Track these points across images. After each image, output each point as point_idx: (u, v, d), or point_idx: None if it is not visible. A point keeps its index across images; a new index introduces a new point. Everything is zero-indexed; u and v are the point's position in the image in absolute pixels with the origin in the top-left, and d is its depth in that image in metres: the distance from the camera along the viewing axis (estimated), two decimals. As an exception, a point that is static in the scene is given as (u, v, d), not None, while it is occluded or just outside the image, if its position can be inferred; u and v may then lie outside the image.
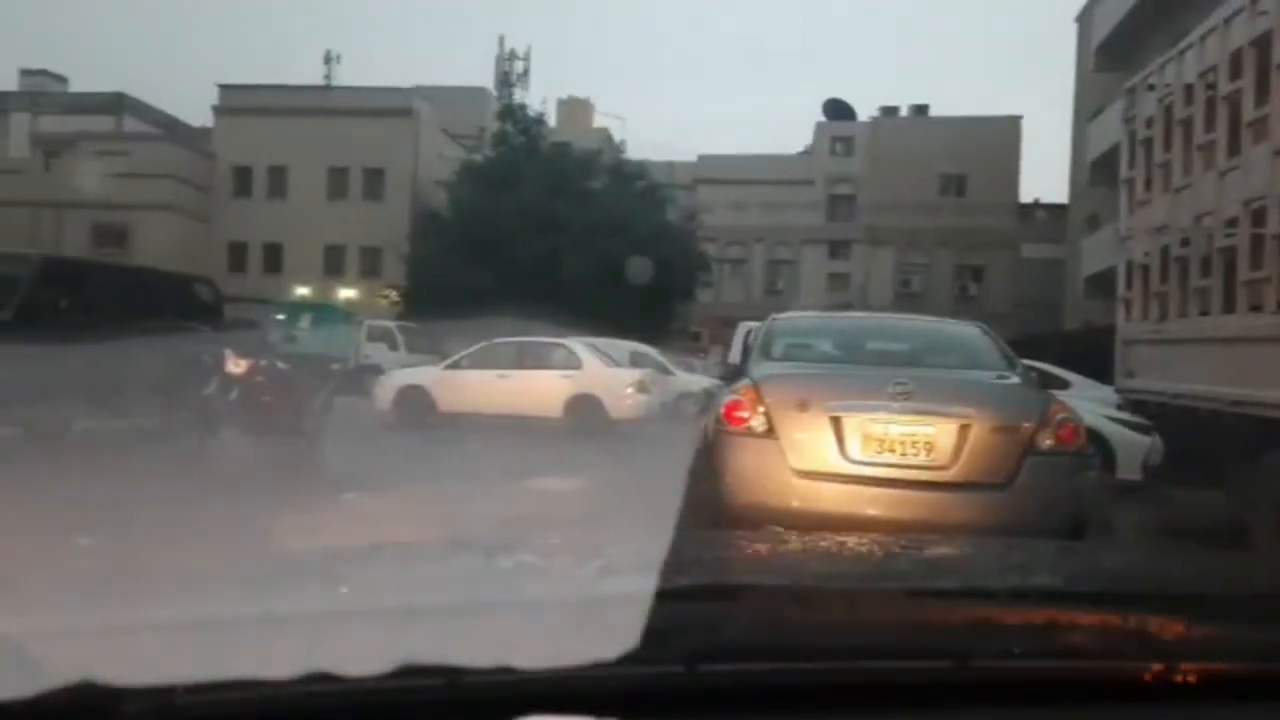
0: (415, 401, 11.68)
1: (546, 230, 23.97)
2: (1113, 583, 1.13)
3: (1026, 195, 33.69)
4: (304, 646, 0.74)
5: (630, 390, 11.82)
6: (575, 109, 34.41)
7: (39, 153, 32.65)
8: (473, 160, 27.84)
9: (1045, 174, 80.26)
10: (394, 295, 27.73)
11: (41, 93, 35.49)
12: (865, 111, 34.72)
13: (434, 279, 24.58)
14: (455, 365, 12.19)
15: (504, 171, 25.84)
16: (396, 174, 31.01)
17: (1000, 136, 31.69)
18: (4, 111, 34.97)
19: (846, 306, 25.58)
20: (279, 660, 0.67)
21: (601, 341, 13.77)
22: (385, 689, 0.67)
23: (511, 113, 27.42)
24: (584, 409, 11.49)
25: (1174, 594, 1.04)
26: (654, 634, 0.69)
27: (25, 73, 36.85)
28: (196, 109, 45.93)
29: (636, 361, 14.15)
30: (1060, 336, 19.97)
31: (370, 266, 30.78)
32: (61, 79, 37.21)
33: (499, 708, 0.65)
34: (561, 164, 26.11)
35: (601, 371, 12.05)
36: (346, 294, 29.55)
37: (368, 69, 75.00)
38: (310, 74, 43.66)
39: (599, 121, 34.49)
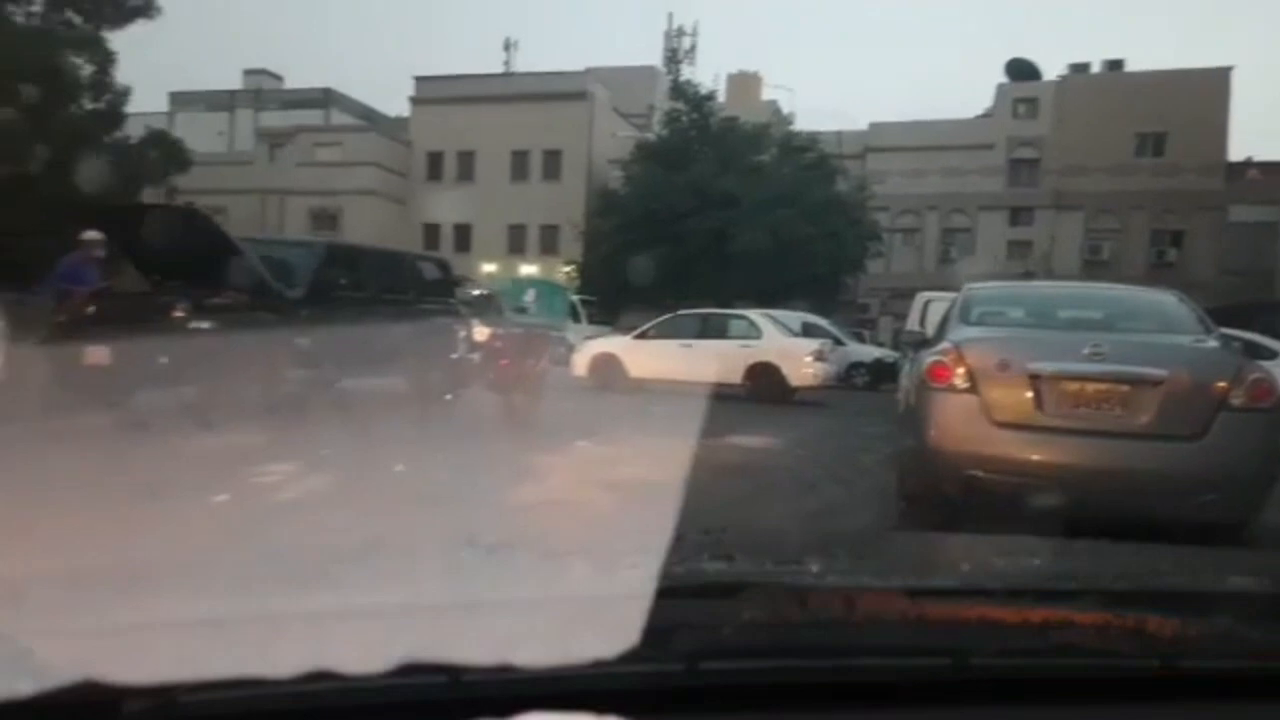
0: (608, 368, 12.74)
1: (717, 205, 24.55)
2: (1113, 582, 1.12)
3: (1236, 154, 30.78)
4: (304, 645, 0.74)
5: (808, 359, 12.35)
6: (744, 83, 34.59)
7: (263, 145, 36.60)
8: (646, 139, 28.76)
9: (1261, 130, 72.00)
10: (571, 271, 29.24)
11: (261, 90, 39.47)
12: (1051, 71, 32.84)
13: (609, 254, 25.76)
14: (643, 335, 13.15)
15: (676, 149, 26.60)
16: (573, 155, 32.48)
17: (1206, 91, 29.08)
18: (231, 109, 39.24)
19: (1028, 275, 24.60)
20: (279, 659, 0.67)
21: (775, 313, 14.34)
22: (385, 688, 0.67)
23: (682, 91, 28.03)
24: (763, 376, 12.14)
25: (1174, 593, 1.04)
26: (654, 633, 0.69)
27: (247, 72, 40.78)
28: (391, 100, 49.80)
29: (809, 332, 14.63)
30: (1271, 305, 18.51)
31: (549, 244, 32.48)
32: (278, 77, 40.76)
33: (499, 707, 0.65)
34: (731, 139, 26.53)
35: (781, 341, 12.64)
36: (527, 270, 31.38)
37: (543, 53, 77.80)
38: (491, 61, 45.91)
39: (767, 94, 34.53)
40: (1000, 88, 32.97)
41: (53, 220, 12.46)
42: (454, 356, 8.00)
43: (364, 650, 0.69)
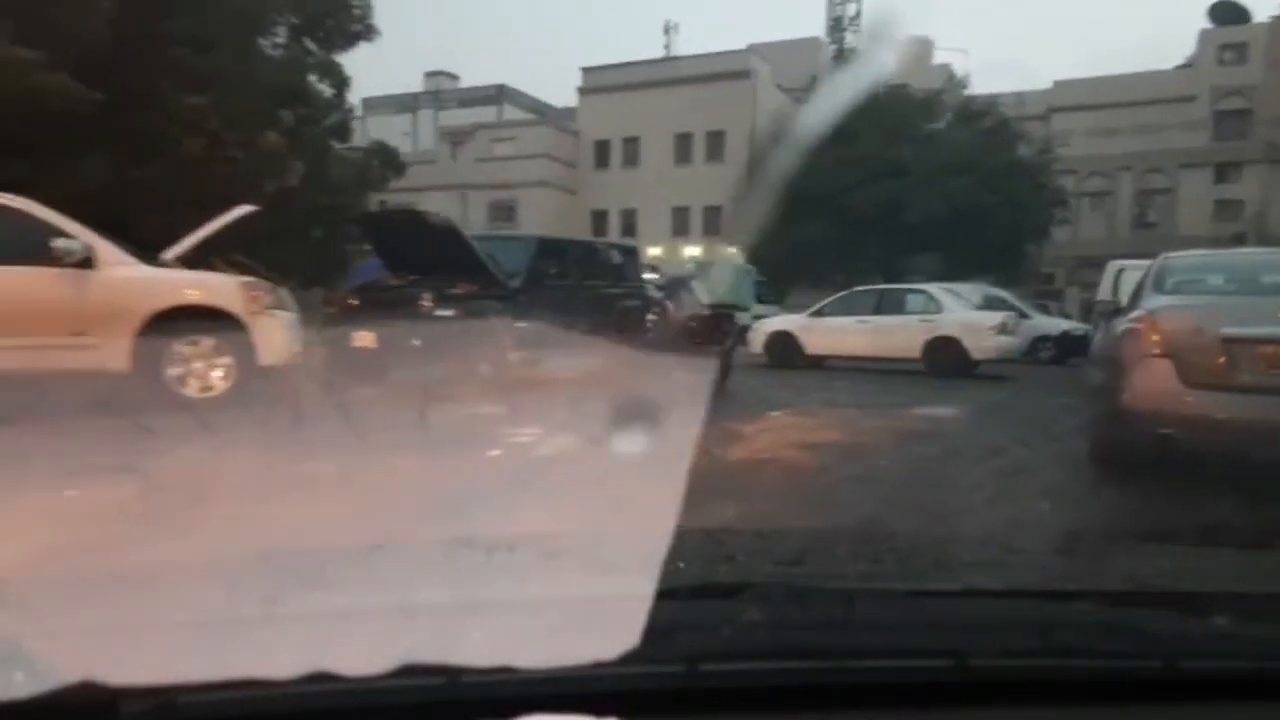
0: (784, 345, 13.13)
1: (885, 177, 24.15)
2: (1114, 582, 1.13)
3: None
4: (304, 646, 0.74)
5: (991, 332, 12.24)
6: (913, 48, 33.54)
7: (445, 144, 39.23)
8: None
9: None
10: (736, 251, 29.58)
11: (440, 91, 42.16)
12: (1262, 12, 29.70)
13: (774, 233, 25.91)
14: (819, 313, 13.45)
15: (841, 122, 26.31)
16: (736, 134, 32.68)
17: None
18: (414, 110, 42.22)
19: (1239, 239, 22.65)
20: (279, 660, 0.67)
21: (955, 286, 14.21)
22: (385, 689, 0.67)
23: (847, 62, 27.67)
24: (944, 350, 12.15)
25: (1175, 594, 1.04)
26: (654, 634, 0.69)
27: (428, 74, 43.57)
28: (559, 92, 51.64)
29: (991, 305, 14.38)
30: None
31: (712, 225, 32.95)
32: (454, 77, 43.26)
33: (499, 708, 0.66)
34: (901, 108, 25.95)
35: (962, 314, 12.59)
36: (691, 252, 32.03)
37: (705, 33, 77.93)
38: (654, 46, 46.59)
39: (940, 58, 33.31)
40: (1203, 33, 30.21)
41: (309, 226, 14.36)
42: (649, 337, 8.78)
43: (363, 651, 0.70)
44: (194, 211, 10.02)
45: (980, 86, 27.72)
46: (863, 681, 0.76)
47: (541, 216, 31.30)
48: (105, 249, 6.20)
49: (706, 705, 0.72)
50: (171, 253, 6.93)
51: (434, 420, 5.94)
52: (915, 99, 26.23)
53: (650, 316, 9.16)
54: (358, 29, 16.55)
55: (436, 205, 34.63)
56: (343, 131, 17.70)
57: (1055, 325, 17.29)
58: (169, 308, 6.30)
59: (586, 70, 36.18)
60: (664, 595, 0.75)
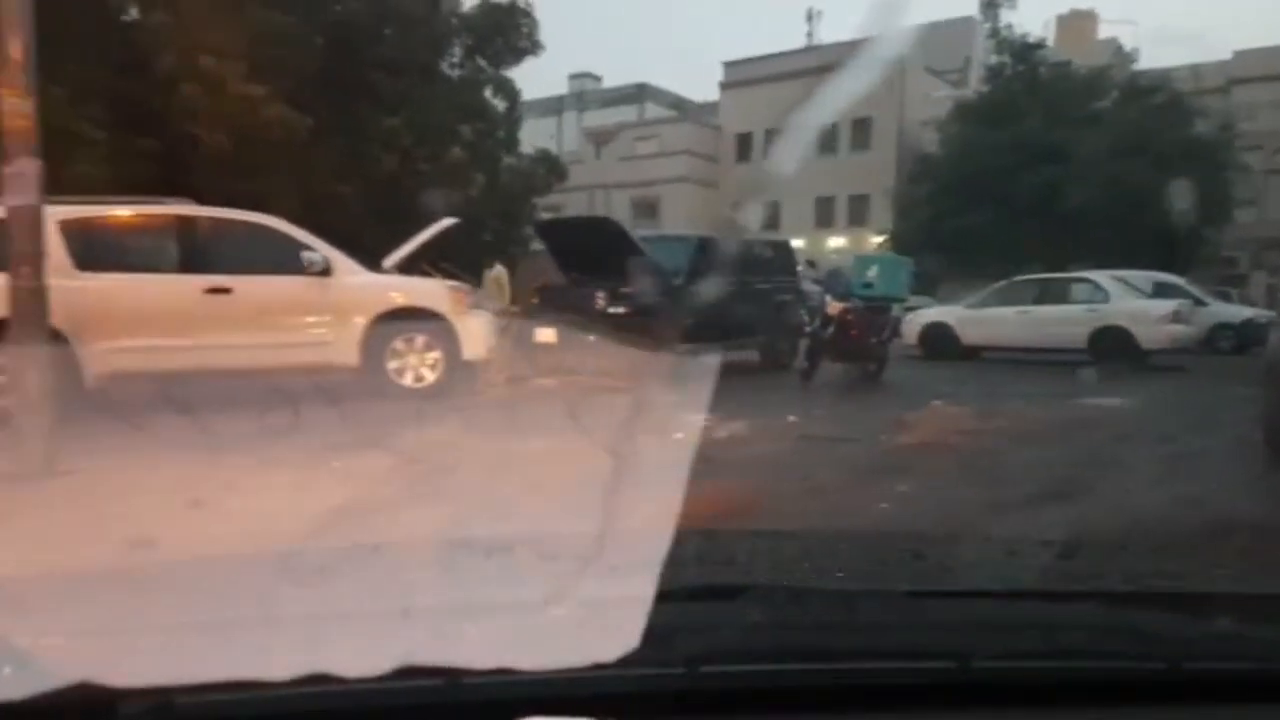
0: (939, 336, 13.07)
1: (1046, 161, 23.13)
2: (1116, 584, 1.13)
3: None
4: (304, 646, 0.74)
5: (1162, 320, 11.77)
6: (1076, 23, 31.83)
7: (589, 144, 40.46)
8: (965, 99, 27.68)
9: None
10: (882, 240, 29.11)
11: (584, 92, 43.45)
12: None
13: (925, 221, 25.31)
14: (978, 304, 13.29)
15: (999, 105, 25.32)
16: (883, 121, 32.00)
17: None
18: (558, 113, 43.75)
19: None
20: (278, 661, 0.68)
21: (1124, 273, 13.66)
22: (385, 689, 0.67)
23: (1004, 42, 26.57)
24: (1111, 341, 11.76)
25: (1177, 595, 1.04)
26: (654, 635, 0.69)
27: (572, 76, 44.96)
28: (699, 87, 51.96)
29: (1163, 293, 13.72)
30: None
31: (857, 215, 32.46)
32: (597, 78, 44.49)
33: (499, 708, 0.66)
34: (1063, 88, 24.73)
35: (1130, 303, 12.15)
36: (836, 243, 31.71)
37: (848, 19, 76.21)
38: (796, 36, 46.13)
39: (1105, 31, 31.48)
40: None
41: (481, 231, 15.54)
42: (809, 329, 9.15)
43: (362, 652, 0.70)
44: (386, 222, 11.25)
45: (1150, 60, 26.06)
46: (865, 683, 0.76)
47: (682, 212, 31.82)
48: (340, 259, 7.22)
49: (707, 707, 0.73)
50: (390, 261, 7.93)
51: (615, 408, 6.62)
52: (1079, 76, 24.92)
53: (805, 310, 9.53)
54: (524, 45, 17.67)
55: (580, 205, 35.95)
56: (511, 142, 18.86)
57: (1237, 313, 16.23)
58: (390, 309, 7.28)
59: (728, 65, 36.46)
60: (664, 596, 0.75)
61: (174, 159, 11.12)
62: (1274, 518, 3.85)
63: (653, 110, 39.92)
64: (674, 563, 0.89)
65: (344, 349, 7.15)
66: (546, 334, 8.43)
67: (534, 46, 17.81)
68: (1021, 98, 24.97)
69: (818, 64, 33.88)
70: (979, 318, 12.90)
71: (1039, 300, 12.69)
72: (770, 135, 34.82)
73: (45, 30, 4.55)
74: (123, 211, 6.94)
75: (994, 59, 26.87)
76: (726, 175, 35.60)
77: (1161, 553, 1.50)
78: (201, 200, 7.39)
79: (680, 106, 40.37)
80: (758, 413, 6.36)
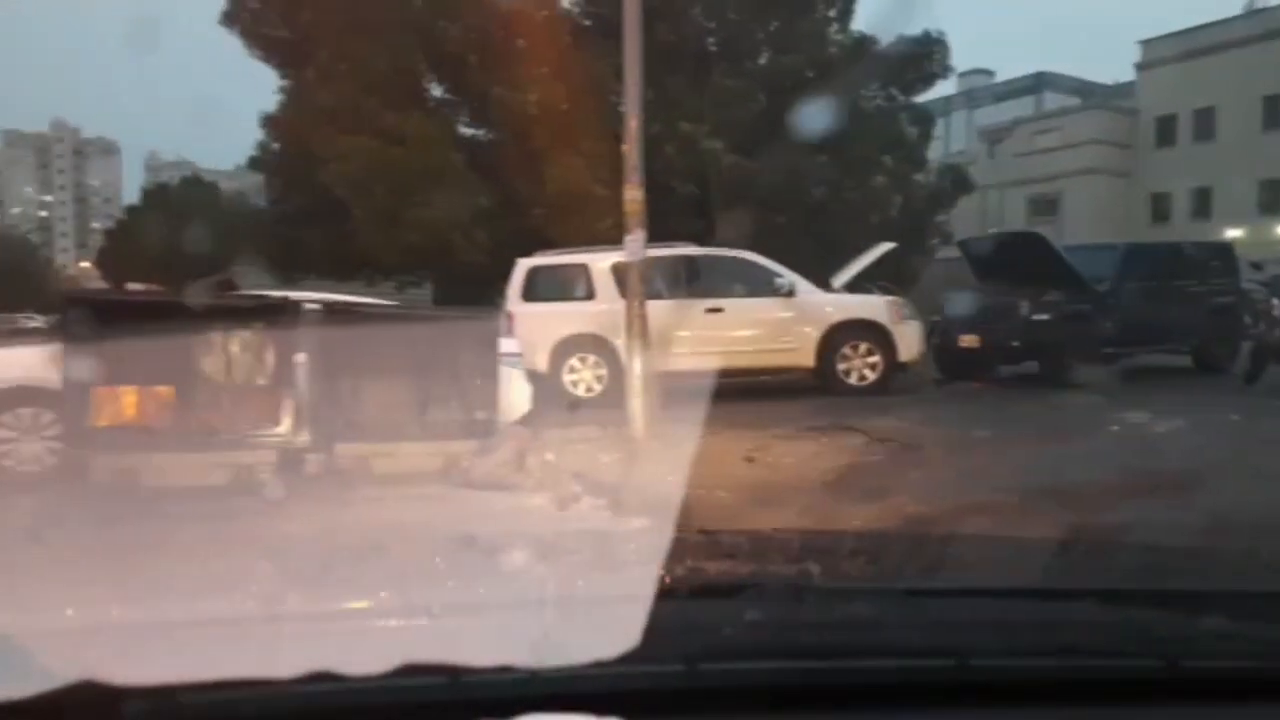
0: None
1: None
2: (1115, 582, 1.13)
3: None
4: (304, 646, 0.75)
5: None
6: None
7: (982, 143, 39.05)
8: None
9: None
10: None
11: (973, 90, 41.91)
12: None
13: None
14: None
15: None
16: (1349, 86, 27.06)
17: None
18: (946, 113, 42.57)
19: None
20: (280, 660, 0.68)
21: None
22: (386, 688, 0.67)
23: None
24: None
25: (1176, 593, 1.04)
26: (654, 634, 0.69)
27: (962, 74, 43.47)
28: (1106, 68, 46.50)
29: None
30: None
31: (1313, 198, 27.71)
32: (990, 73, 42.52)
33: (499, 708, 0.66)
34: None
35: None
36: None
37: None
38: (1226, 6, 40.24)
39: None
40: None
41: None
42: (1254, 331, 9.06)
43: (364, 651, 0.71)
44: (818, 246, 13.00)
45: None
46: (864, 681, 0.76)
47: (1087, 207, 29.64)
48: (801, 282, 9.19)
49: (707, 705, 0.73)
50: (838, 281, 9.75)
51: (1052, 404, 7.68)
52: None
53: (1247, 316, 9.45)
54: (934, 70, 18.44)
55: (971, 206, 35.09)
56: (920, 161, 19.59)
57: None
58: (841, 321, 9.06)
59: (1145, 43, 33.16)
60: (664, 596, 0.77)
61: (653, 207, 13.87)
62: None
63: (1051, 100, 37.44)
64: (673, 562, 0.90)
65: (804, 354, 9.11)
66: (969, 339, 9.56)
67: (945, 72, 18.42)
68: None
69: (1263, 31, 29.61)
70: None
71: None
72: (1200, 115, 31.07)
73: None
74: (651, 254, 9.55)
75: None
76: (1143, 162, 32.44)
77: (1160, 551, 1.54)
78: (669, 237, 9.68)
79: (1084, 92, 37.28)
80: (1195, 411, 6.92)
